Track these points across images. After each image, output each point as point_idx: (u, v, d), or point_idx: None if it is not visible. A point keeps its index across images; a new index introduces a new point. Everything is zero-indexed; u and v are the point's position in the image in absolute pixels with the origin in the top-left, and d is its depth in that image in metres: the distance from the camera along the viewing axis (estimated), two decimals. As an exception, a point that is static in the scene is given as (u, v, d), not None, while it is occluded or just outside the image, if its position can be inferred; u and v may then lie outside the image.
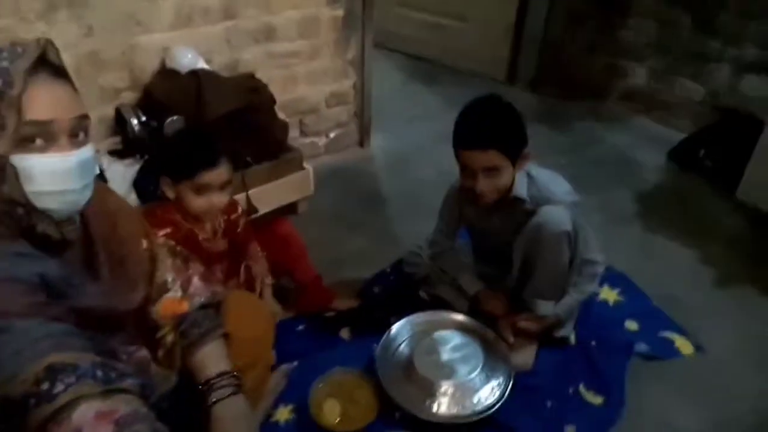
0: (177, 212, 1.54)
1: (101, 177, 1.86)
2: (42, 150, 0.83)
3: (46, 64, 0.85)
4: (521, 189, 1.64)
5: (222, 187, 1.53)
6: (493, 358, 1.65)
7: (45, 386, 0.73)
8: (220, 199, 1.54)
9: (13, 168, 0.82)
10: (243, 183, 2.07)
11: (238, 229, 1.72)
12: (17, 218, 0.85)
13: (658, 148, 3.04)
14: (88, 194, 0.92)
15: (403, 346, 1.72)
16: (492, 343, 1.70)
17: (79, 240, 1.00)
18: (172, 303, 1.17)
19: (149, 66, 2.15)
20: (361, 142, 3.02)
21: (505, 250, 1.76)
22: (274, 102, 2.23)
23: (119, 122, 2.03)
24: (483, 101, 1.57)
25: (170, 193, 1.53)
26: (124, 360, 1.01)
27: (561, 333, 1.78)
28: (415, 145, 3.02)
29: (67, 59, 1.93)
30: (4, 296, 0.78)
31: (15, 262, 0.83)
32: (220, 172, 1.51)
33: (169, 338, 1.13)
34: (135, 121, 1.94)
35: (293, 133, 2.67)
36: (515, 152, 1.55)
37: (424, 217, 1.96)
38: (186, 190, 1.50)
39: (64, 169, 0.85)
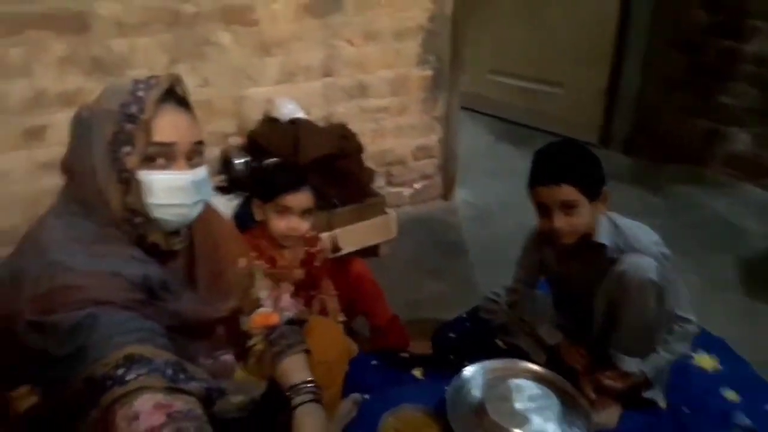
0: (262, 238, 1.66)
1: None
2: (163, 168, 0.95)
3: (174, 95, 0.98)
4: (604, 235, 1.60)
5: (302, 213, 1.63)
6: (572, 413, 1.57)
7: (120, 371, 0.81)
8: (299, 224, 1.63)
9: (138, 181, 0.94)
10: (329, 223, 2.18)
11: (316, 263, 1.80)
12: (134, 226, 0.97)
13: (763, 216, 2.84)
14: (198, 210, 1.03)
15: (475, 390, 1.68)
16: (571, 397, 1.62)
17: (184, 251, 1.11)
18: (263, 317, 1.27)
19: (254, 114, 2.38)
20: (445, 195, 3.08)
21: (586, 301, 1.70)
22: (362, 150, 2.36)
23: (225, 162, 2.24)
24: (558, 142, 1.60)
25: (258, 215, 1.66)
26: (207, 364, 1.09)
27: (649, 394, 1.66)
28: (499, 200, 3.03)
29: (185, 106, 2.21)
30: (110, 288, 0.89)
31: (127, 262, 0.95)
32: (301, 198, 1.62)
33: (260, 348, 1.22)
34: (238, 161, 2.14)
35: (380, 183, 2.80)
36: (591, 188, 1.53)
37: (504, 268, 1.95)
38: (270, 211, 1.62)
39: (180, 186, 0.96)
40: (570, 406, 1.58)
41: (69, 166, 0.97)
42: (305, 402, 1.12)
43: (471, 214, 2.97)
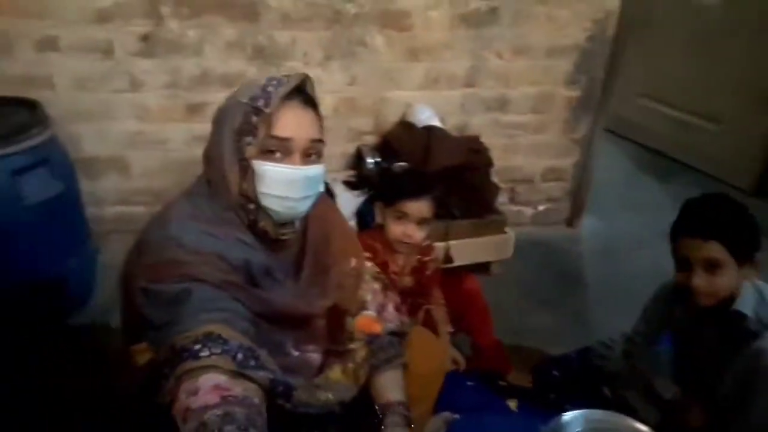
0: (379, 241, 1.69)
1: (331, 197, 2.15)
2: (278, 161, 0.99)
3: (301, 94, 1.01)
4: (747, 304, 1.44)
5: (419, 222, 1.64)
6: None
7: (197, 347, 0.86)
8: (414, 232, 1.63)
9: (253, 170, 0.98)
10: (445, 233, 2.19)
11: (427, 272, 1.80)
12: (247, 211, 1.03)
13: None
14: (307, 205, 1.05)
15: (571, 437, 1.61)
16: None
17: (296, 242, 1.15)
18: (368, 321, 1.27)
19: (392, 116, 2.44)
20: (570, 221, 2.95)
21: (712, 371, 1.55)
22: (491, 165, 2.33)
23: (357, 159, 2.33)
24: (713, 194, 1.46)
25: (379, 217, 1.70)
26: (294, 356, 1.10)
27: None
28: (631, 236, 2.83)
29: (330, 101, 2.34)
30: (210, 267, 0.94)
31: (233, 245, 1.01)
32: (421, 206, 1.62)
33: (362, 354, 1.22)
34: (370, 160, 2.21)
35: (502, 199, 2.74)
36: (742, 252, 1.39)
37: (625, 312, 1.82)
38: (390, 215, 1.65)
39: (291, 180, 0.99)
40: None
41: (206, 152, 1.05)
42: (396, 424, 1.14)
43: (596, 246, 2.81)
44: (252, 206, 1.01)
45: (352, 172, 2.37)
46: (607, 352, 1.86)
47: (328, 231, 1.22)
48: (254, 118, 0.96)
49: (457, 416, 1.67)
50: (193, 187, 1.08)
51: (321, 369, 1.15)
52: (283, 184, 0.99)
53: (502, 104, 2.59)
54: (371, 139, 2.44)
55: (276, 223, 1.05)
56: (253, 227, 1.04)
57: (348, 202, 2.13)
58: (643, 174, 3.61)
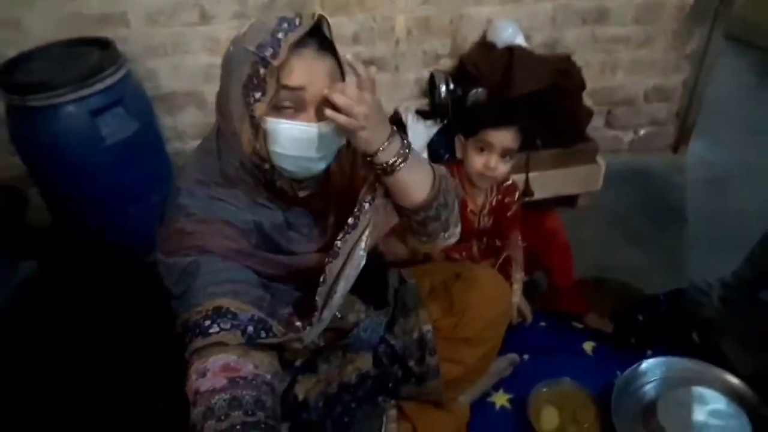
0: (457, 176, 1.60)
1: (403, 133, 2.06)
2: (291, 117, 0.89)
3: (314, 38, 0.89)
4: None
5: (503, 153, 1.51)
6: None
7: (207, 323, 0.84)
8: (497, 165, 1.51)
9: (264, 129, 0.89)
10: (526, 164, 2.04)
11: (509, 213, 1.69)
12: (263, 171, 0.94)
13: None
14: (325, 162, 0.96)
15: (650, 386, 1.52)
16: (769, 428, 1.37)
17: (318, 197, 1.06)
18: None
19: (471, 36, 2.25)
20: (676, 147, 2.64)
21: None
22: (583, 88, 2.10)
23: (430, 87, 2.19)
24: None
25: (459, 151, 1.58)
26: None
27: None
28: (744, 164, 2.50)
29: (402, 21, 2.19)
30: (217, 237, 0.91)
31: (242, 208, 0.95)
32: (504, 136, 1.49)
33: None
34: (443, 88, 2.07)
35: (597, 123, 2.50)
36: None
37: (727, 253, 1.63)
38: (471, 146, 1.53)
39: (304, 137, 0.90)
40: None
41: (217, 102, 0.96)
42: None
43: (703, 175, 2.51)
44: (267, 166, 0.93)
45: (425, 101, 2.24)
46: (702, 298, 1.69)
47: (355, 182, 1.10)
48: (262, 71, 0.85)
49: (525, 356, 1.64)
50: (205, 140, 1.01)
51: None
52: (298, 143, 0.90)
53: (600, 15, 2.29)
54: (448, 63, 2.28)
55: (293, 181, 0.98)
56: (268, 186, 0.98)
57: (420, 133, 2.03)
58: (766, 88, 3.13)
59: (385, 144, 0.92)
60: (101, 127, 1.72)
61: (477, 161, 1.53)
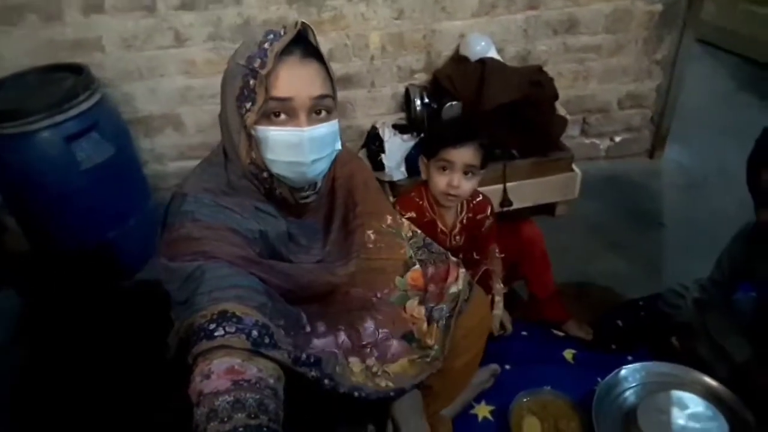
0: (426, 199, 1.61)
1: (380, 148, 2.08)
2: (283, 124, 0.92)
3: (299, 46, 0.92)
4: None
5: (465, 171, 1.52)
6: (744, 447, 1.33)
7: (212, 326, 0.84)
8: (460, 183, 1.52)
9: (257, 137, 0.92)
10: (503, 174, 2.06)
11: (483, 229, 1.70)
12: (261, 180, 0.98)
13: None
14: (321, 168, 0.98)
15: (630, 392, 1.52)
16: (750, 429, 1.37)
17: (322, 205, 1.11)
18: (419, 275, 1.24)
19: (444, 51, 2.28)
20: (652, 153, 2.68)
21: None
22: (555, 98, 2.13)
23: (407, 100, 2.21)
24: None
25: (424, 173, 1.60)
26: (307, 331, 1.05)
27: None
28: (719, 168, 2.53)
29: (377, 38, 2.21)
30: (223, 243, 0.91)
31: (247, 217, 0.97)
32: (464, 153, 1.50)
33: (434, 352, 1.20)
34: (418, 102, 2.10)
35: (573, 131, 2.54)
36: None
37: (706, 256, 1.64)
38: (433, 167, 1.54)
39: (295, 142, 0.92)
40: (743, 438, 1.34)
41: (219, 118, 1.00)
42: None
43: (680, 180, 2.54)
44: (265, 174, 0.97)
45: (402, 115, 2.27)
46: (678, 301, 1.71)
47: (355, 192, 1.16)
48: (252, 81, 0.89)
49: (507, 366, 1.64)
50: (212, 154, 1.05)
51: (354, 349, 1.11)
52: (289, 149, 0.93)
53: (570, 25, 2.34)
54: (423, 77, 2.30)
55: (293, 189, 1.00)
56: (270, 195, 1.00)
57: (397, 147, 2.05)
58: (743, 92, 3.19)
59: None
60: (76, 152, 1.73)
61: (440, 181, 1.53)
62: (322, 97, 0.95)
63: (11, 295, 1.98)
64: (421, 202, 1.60)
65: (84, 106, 1.74)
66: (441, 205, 1.60)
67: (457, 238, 1.66)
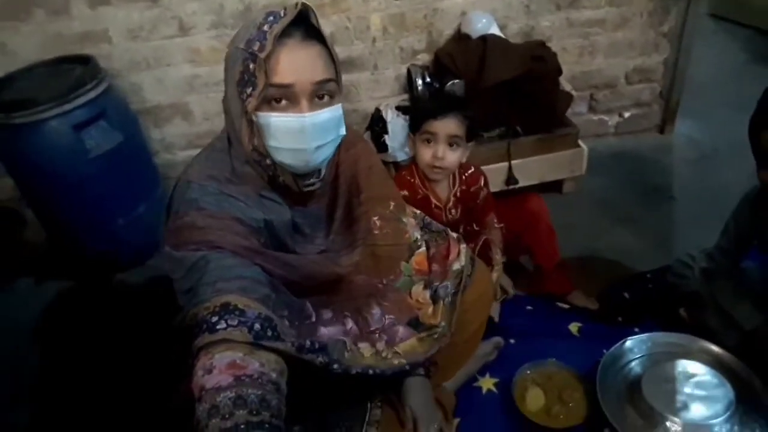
0: (417, 176, 1.62)
1: (383, 129, 2.08)
2: (284, 110, 0.90)
3: (300, 27, 0.89)
4: None
5: (449, 142, 1.53)
6: (751, 414, 1.32)
7: (214, 319, 0.84)
8: (445, 154, 1.53)
9: (258, 124, 0.91)
10: (508, 151, 2.05)
11: (479, 200, 1.70)
12: (264, 167, 0.97)
13: None
14: (324, 154, 0.97)
15: (636, 362, 1.52)
16: (757, 395, 1.36)
17: (326, 192, 1.10)
18: (424, 259, 1.24)
19: (446, 30, 2.27)
20: (662, 128, 2.64)
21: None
22: (559, 73, 2.11)
23: (409, 81, 2.21)
24: None
25: (412, 149, 1.61)
26: (313, 320, 1.06)
27: None
28: (731, 141, 2.48)
29: (377, 20, 2.21)
30: (227, 233, 0.91)
31: (252, 205, 0.97)
32: (447, 124, 1.52)
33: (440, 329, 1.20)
34: (420, 81, 2.10)
35: (580, 108, 2.52)
36: None
37: (715, 228, 1.62)
38: (419, 140, 1.56)
39: (296, 129, 0.90)
40: (751, 405, 1.33)
41: (223, 104, 0.99)
42: (417, 374, 1.17)
43: (690, 154, 2.50)
44: (268, 161, 0.95)
45: (405, 96, 2.27)
46: (686, 271, 1.69)
47: (359, 177, 1.15)
48: (251, 66, 0.87)
49: (512, 341, 1.64)
50: (216, 140, 1.04)
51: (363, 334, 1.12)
52: (291, 135, 0.91)
53: (573, 0, 2.31)
54: (425, 58, 2.30)
55: (297, 176, 0.99)
56: (273, 182, 0.99)
57: (400, 128, 2.05)
58: (755, 65, 3.12)
59: None
60: (85, 140, 1.76)
61: (426, 153, 1.55)
62: (325, 81, 0.92)
63: (30, 285, 2.04)
64: (412, 180, 1.61)
65: (91, 95, 1.78)
66: (431, 180, 1.61)
67: (453, 211, 1.67)
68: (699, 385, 1.39)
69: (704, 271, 1.62)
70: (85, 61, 1.87)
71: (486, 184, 1.70)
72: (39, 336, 1.83)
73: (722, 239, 1.57)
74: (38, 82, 1.82)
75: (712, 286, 1.59)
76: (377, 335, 1.14)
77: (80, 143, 1.76)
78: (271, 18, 0.89)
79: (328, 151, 0.98)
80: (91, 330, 1.81)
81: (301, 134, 0.91)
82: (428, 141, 1.54)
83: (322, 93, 0.93)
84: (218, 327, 0.83)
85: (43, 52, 1.99)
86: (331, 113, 0.95)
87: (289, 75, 0.89)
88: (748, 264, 1.60)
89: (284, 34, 0.88)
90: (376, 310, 1.16)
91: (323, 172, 1.03)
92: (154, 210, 2.00)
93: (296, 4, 0.90)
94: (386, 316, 1.17)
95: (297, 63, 0.89)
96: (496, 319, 1.66)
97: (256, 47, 0.87)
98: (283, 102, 0.91)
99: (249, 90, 0.89)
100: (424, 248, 1.26)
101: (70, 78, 1.78)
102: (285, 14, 0.88)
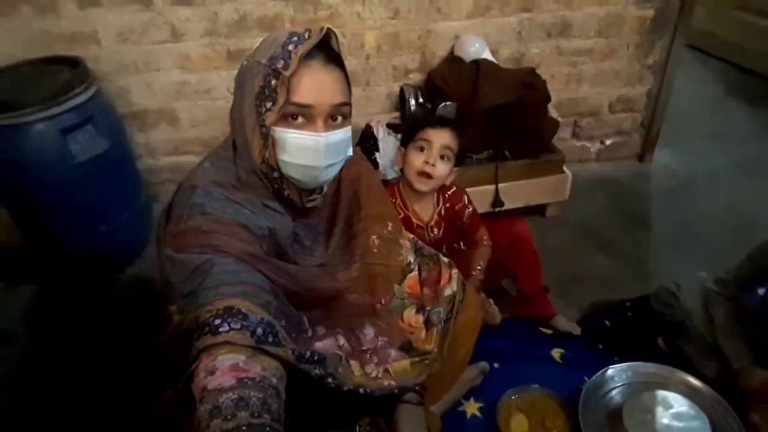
0: (399, 196, 1.64)
1: (374, 147, 2.09)
2: (300, 127, 0.93)
3: (322, 50, 0.93)
4: None
5: (442, 153, 1.56)
6: (724, 446, 1.37)
7: (217, 321, 0.84)
8: (437, 162, 1.55)
9: (273, 138, 0.93)
10: (495, 174, 2.08)
11: (464, 219, 1.71)
12: (271, 179, 0.99)
13: None
14: (332, 173, 1.01)
15: (616, 391, 1.55)
16: (732, 428, 1.41)
17: (327, 206, 1.11)
18: (416, 282, 1.25)
19: (439, 51, 2.30)
20: (641, 156, 2.72)
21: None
22: (548, 100, 2.16)
23: (401, 100, 2.23)
24: None
25: (399, 162, 1.63)
26: (309, 335, 1.06)
27: None
28: (708, 171, 2.57)
29: (372, 38, 2.22)
30: (232, 238, 0.91)
31: (257, 213, 0.97)
32: (442, 134, 1.55)
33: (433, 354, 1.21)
34: (413, 101, 2.11)
35: (564, 134, 2.57)
36: None
37: (694, 256, 1.67)
38: (411, 148, 1.58)
39: (312, 147, 0.94)
40: (724, 436, 1.37)
41: (231, 113, 1.00)
42: (410, 402, 1.16)
43: (669, 183, 2.58)
44: (276, 174, 0.97)
45: (396, 114, 2.28)
46: (671, 300, 1.73)
47: (360, 195, 1.17)
48: (273, 82, 0.90)
49: (496, 365, 1.66)
50: (220, 148, 1.05)
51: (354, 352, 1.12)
52: (305, 153, 0.94)
53: (564, 29, 2.36)
54: (417, 77, 2.32)
55: (301, 191, 1.01)
56: (278, 195, 1.01)
57: (391, 146, 2.06)
58: (732, 98, 3.24)
59: None
60: (71, 145, 1.72)
61: (417, 160, 1.57)
62: (341, 104, 0.96)
63: (1, 288, 1.97)
64: (394, 200, 1.62)
65: (80, 99, 1.74)
66: (415, 199, 1.63)
67: (435, 231, 1.68)
68: (677, 416, 1.43)
69: (707, 295, 1.63)
70: (74, 63, 1.83)
71: (470, 201, 1.72)
72: (9, 340, 1.78)
73: (745, 263, 1.57)
74: (24, 82, 1.78)
75: (711, 312, 1.61)
76: (368, 356, 1.15)
77: (66, 148, 1.72)
78: (296, 38, 0.92)
79: (336, 170, 1.02)
80: (66, 335, 1.77)
81: (316, 153, 0.95)
82: (422, 149, 1.57)
83: (337, 115, 0.97)
84: (221, 329, 0.83)
85: (28, 51, 1.94)
86: (343, 134, 0.99)
87: (311, 96, 0.92)
88: (751, 301, 1.62)
89: (308, 55, 0.91)
90: (368, 330, 1.16)
91: (325, 188, 1.07)
92: (137, 217, 1.96)
93: (321, 29, 0.92)
94: (379, 338, 1.17)
95: (318, 85, 0.92)
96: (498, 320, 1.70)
97: (280, 65, 0.90)
98: (300, 119, 0.94)
99: (269, 105, 0.91)
100: (416, 272, 1.27)
101: (59, 80, 1.74)
102: (309, 36, 0.91)
